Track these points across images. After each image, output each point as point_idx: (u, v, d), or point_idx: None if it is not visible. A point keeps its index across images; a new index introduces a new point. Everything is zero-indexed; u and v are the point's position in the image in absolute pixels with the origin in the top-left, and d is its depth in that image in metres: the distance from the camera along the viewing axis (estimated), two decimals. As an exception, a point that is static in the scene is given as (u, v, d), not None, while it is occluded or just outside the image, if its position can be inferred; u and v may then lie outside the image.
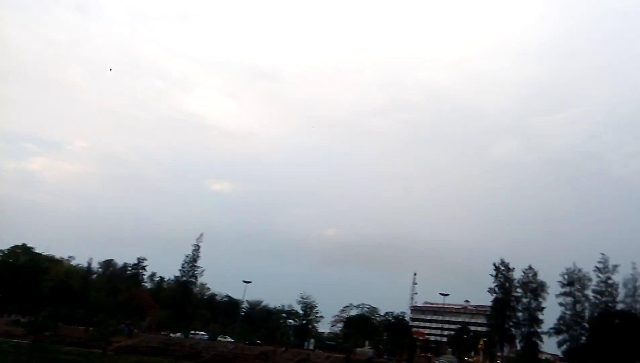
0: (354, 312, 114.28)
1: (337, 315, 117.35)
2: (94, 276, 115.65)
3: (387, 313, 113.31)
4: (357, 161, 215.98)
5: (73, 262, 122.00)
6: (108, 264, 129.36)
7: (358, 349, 78.97)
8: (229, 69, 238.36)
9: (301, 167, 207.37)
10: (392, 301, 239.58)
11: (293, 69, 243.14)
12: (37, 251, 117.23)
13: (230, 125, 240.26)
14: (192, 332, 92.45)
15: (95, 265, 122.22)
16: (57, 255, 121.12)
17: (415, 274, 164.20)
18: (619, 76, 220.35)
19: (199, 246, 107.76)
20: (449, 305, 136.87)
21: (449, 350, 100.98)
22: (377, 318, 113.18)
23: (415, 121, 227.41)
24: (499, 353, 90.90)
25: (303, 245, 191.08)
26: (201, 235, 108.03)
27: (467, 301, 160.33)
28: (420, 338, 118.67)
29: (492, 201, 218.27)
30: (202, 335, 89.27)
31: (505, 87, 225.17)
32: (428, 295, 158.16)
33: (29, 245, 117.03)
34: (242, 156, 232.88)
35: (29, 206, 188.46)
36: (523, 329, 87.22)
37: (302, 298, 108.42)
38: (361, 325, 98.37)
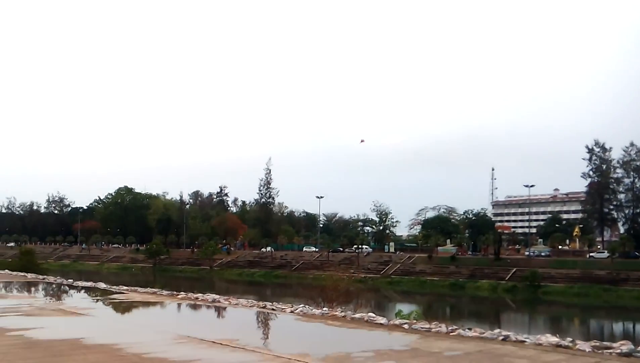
0: (430, 214, 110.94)
1: (413, 219, 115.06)
2: (187, 206, 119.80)
3: (466, 212, 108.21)
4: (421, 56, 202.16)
5: (168, 197, 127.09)
6: (196, 194, 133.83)
7: (440, 248, 77.05)
8: None
9: (363, 75, 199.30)
10: (471, 200, 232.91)
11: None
12: (137, 190, 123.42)
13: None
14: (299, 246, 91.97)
15: (185, 197, 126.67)
16: (154, 192, 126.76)
17: (493, 169, 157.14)
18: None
19: (269, 169, 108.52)
20: (536, 196, 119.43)
21: (540, 240, 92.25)
22: (456, 218, 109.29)
23: None
24: (598, 239, 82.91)
25: (371, 155, 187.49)
26: (270, 158, 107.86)
27: (556, 189, 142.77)
28: (506, 232, 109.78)
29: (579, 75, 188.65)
30: (311, 248, 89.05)
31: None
32: (510, 189, 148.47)
33: (130, 186, 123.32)
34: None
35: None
36: (627, 211, 78.36)
37: (376, 206, 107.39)
38: (439, 226, 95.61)
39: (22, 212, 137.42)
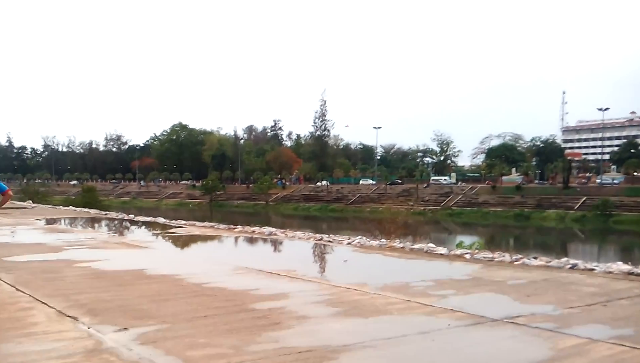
0: (494, 142, 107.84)
1: (476, 148, 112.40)
2: (241, 141, 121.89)
3: (533, 139, 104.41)
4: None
5: (222, 132, 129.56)
6: (250, 129, 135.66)
7: (504, 177, 75.30)
8: None
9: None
10: (539, 126, 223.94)
11: None
12: (191, 126, 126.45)
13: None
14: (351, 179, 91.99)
15: (240, 132, 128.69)
16: (209, 128, 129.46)
17: (564, 92, 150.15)
18: None
19: (325, 101, 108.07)
20: (610, 120, 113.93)
21: (613, 167, 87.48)
22: (523, 145, 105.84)
23: None
24: None
25: (432, 82, 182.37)
26: (325, 89, 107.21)
27: (632, 112, 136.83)
28: (576, 159, 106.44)
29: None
30: (367, 181, 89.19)
31: None
32: (582, 113, 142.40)
33: (184, 123, 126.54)
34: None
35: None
36: None
37: (436, 135, 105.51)
38: (504, 154, 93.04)
39: (82, 150, 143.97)
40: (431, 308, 6.33)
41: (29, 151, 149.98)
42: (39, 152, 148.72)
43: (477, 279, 8.36)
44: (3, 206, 7.83)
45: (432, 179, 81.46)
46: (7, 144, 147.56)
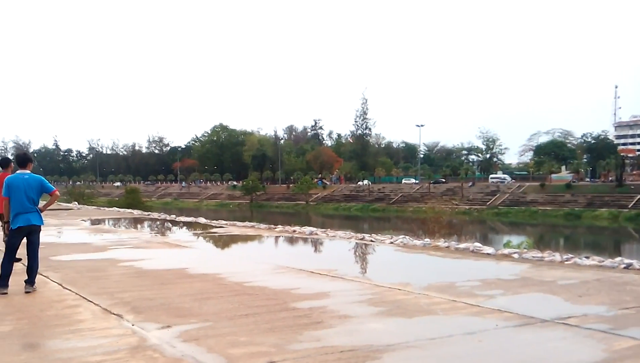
0: (543, 139, 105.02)
1: (524, 145, 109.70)
2: (281, 141, 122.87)
3: (584, 135, 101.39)
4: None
5: (262, 132, 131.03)
6: (290, 129, 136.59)
7: (553, 175, 73.40)
8: None
9: None
10: (589, 122, 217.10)
11: None
12: (232, 127, 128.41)
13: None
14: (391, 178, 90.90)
15: (280, 132, 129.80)
16: (249, 128, 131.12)
17: (616, 87, 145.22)
18: None
19: (366, 99, 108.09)
20: None
21: None
22: (573, 142, 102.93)
23: None
24: None
25: (477, 78, 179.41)
26: (366, 88, 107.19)
27: None
28: (630, 155, 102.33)
29: None
30: (410, 179, 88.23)
31: None
32: (636, 108, 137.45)
33: (225, 124, 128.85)
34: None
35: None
36: None
37: (482, 132, 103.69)
38: (553, 151, 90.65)
39: (125, 153, 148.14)
40: (478, 308, 6.22)
41: (74, 153, 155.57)
42: (84, 155, 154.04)
43: (525, 279, 8.17)
44: (50, 207, 8.12)
45: (491, 178, 79.54)
46: (54, 147, 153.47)
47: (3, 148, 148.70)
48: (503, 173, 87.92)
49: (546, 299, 6.81)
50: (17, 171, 7.42)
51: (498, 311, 6.05)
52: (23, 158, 7.60)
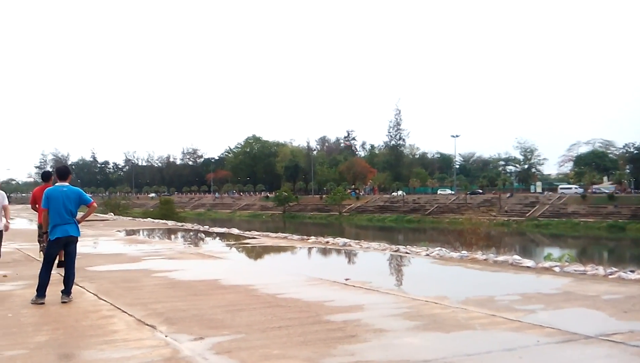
0: (583, 149, 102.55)
1: (563, 155, 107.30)
2: (314, 152, 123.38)
3: (626, 145, 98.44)
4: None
5: (295, 143, 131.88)
6: (323, 140, 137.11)
7: (595, 186, 71.49)
8: None
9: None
10: (631, 131, 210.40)
11: None
12: (264, 139, 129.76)
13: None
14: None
15: (312, 143, 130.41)
16: (281, 140, 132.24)
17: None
18: None
19: (399, 110, 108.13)
20: None
21: None
22: (615, 152, 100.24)
23: None
24: None
25: (515, 87, 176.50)
26: (399, 98, 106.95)
27: None
28: None
29: None
30: (446, 190, 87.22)
31: None
32: None
33: (257, 135, 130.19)
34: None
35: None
36: None
37: (520, 143, 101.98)
38: (594, 161, 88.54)
39: (160, 164, 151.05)
40: (518, 323, 6.06)
41: (111, 165, 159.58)
42: (120, 166, 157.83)
43: (567, 293, 7.94)
44: (88, 218, 8.31)
45: (561, 188, 77.02)
46: (92, 159, 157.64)
47: (43, 160, 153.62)
48: (541, 184, 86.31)
49: (590, 314, 6.61)
50: (57, 184, 7.63)
51: (539, 326, 5.89)
52: (63, 170, 7.81)
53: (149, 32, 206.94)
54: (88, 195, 7.93)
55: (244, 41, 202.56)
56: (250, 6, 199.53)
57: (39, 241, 10.71)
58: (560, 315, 6.50)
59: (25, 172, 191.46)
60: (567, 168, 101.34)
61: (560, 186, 78.90)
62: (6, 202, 8.80)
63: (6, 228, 8.63)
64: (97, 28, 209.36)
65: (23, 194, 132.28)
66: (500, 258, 11.65)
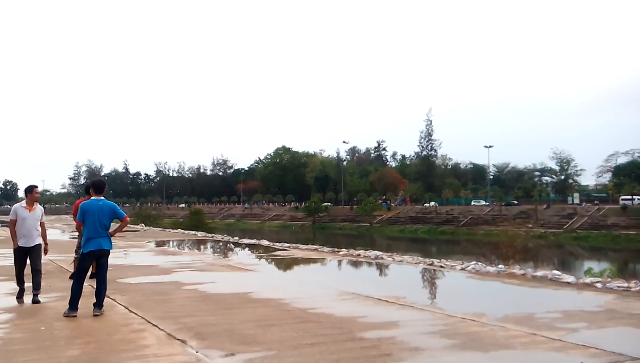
0: (622, 160, 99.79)
1: (601, 166, 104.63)
2: (344, 163, 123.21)
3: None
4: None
5: (325, 154, 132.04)
6: (353, 151, 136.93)
7: (636, 197, 69.43)
8: None
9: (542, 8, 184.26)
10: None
11: None
12: (294, 149, 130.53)
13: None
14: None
15: (342, 154, 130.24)
16: (311, 150, 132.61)
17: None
18: None
19: (430, 120, 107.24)
20: None
21: None
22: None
23: None
24: None
25: (551, 98, 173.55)
26: (430, 109, 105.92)
27: None
28: None
29: None
30: (480, 201, 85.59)
31: None
32: None
33: (287, 146, 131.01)
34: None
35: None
36: None
37: (555, 153, 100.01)
38: (634, 172, 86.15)
39: (190, 175, 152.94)
40: (560, 343, 5.87)
41: (142, 176, 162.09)
42: (151, 177, 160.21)
43: (611, 311, 7.68)
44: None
45: (622, 199, 74.63)
46: (124, 170, 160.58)
47: (77, 172, 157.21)
48: (580, 195, 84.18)
49: (636, 334, 6.39)
50: (92, 197, 7.76)
51: (583, 346, 5.69)
52: (99, 184, 7.96)
53: (182, 45, 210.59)
54: (121, 209, 8.03)
55: (276, 52, 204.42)
56: (282, 17, 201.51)
57: (76, 251, 10.87)
58: (605, 335, 6.29)
59: (59, 183, 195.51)
60: (606, 178, 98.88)
61: (622, 197, 75.11)
62: (43, 219, 8.77)
63: (45, 251, 8.67)
64: (132, 40, 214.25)
65: (57, 205, 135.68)
66: (539, 273, 11.37)
